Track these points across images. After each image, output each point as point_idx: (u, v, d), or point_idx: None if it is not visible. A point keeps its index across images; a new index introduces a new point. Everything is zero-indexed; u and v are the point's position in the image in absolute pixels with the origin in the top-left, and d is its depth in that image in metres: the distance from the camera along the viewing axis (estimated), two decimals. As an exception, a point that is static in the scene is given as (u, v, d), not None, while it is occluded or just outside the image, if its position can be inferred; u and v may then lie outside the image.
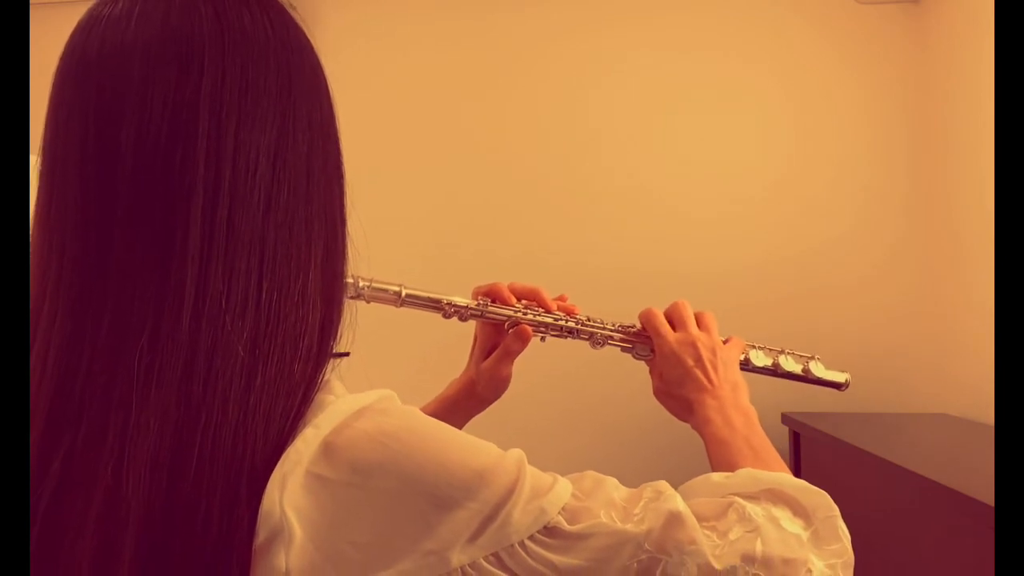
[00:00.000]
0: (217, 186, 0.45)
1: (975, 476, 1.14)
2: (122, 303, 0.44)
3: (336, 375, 0.49)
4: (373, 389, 0.47)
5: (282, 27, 0.50)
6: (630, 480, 0.52)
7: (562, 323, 0.75)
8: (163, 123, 0.44)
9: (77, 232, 0.45)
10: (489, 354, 0.78)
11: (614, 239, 2.07)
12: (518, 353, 0.76)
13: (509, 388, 0.79)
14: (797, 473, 1.76)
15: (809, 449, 1.72)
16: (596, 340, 0.77)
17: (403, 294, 0.70)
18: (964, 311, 1.81)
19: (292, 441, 0.43)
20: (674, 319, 0.76)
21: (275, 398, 0.44)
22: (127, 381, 0.42)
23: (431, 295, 0.72)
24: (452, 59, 2.16)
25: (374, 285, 0.68)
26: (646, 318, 0.76)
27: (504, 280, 0.78)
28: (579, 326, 0.76)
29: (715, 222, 2.05)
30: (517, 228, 2.10)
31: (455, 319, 0.73)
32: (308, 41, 0.52)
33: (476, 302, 0.74)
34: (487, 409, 0.80)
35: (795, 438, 1.78)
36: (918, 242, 1.99)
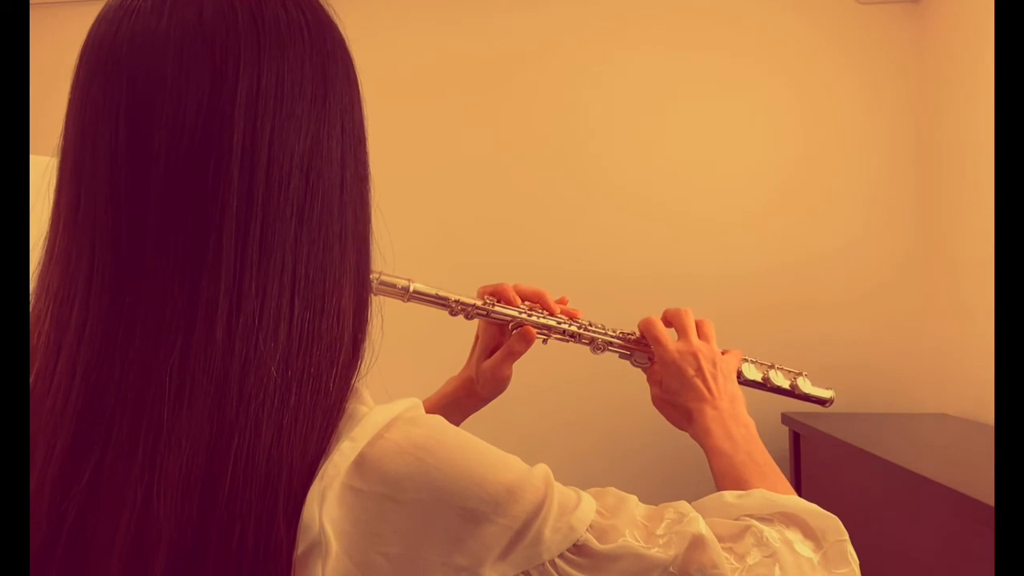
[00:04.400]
0: (251, 199, 0.43)
1: (975, 476, 1.14)
2: (152, 316, 0.43)
3: (363, 382, 0.48)
4: (387, 393, 0.47)
5: (317, 26, 0.48)
6: (633, 488, 0.52)
7: (565, 327, 0.76)
8: (196, 129, 0.43)
9: (110, 240, 0.44)
10: (491, 353, 0.78)
11: (616, 242, 2.06)
12: (521, 354, 0.76)
13: (519, 397, 0.79)
14: (797, 473, 1.77)
15: (809, 449, 1.72)
16: (597, 346, 0.77)
17: (411, 289, 0.70)
18: (964, 311, 1.81)
19: (329, 453, 0.42)
20: (675, 326, 0.76)
21: (311, 417, 0.43)
22: (158, 398, 0.41)
23: (439, 292, 0.72)
24: (450, 61, 2.16)
25: (383, 279, 0.68)
26: (646, 326, 0.76)
27: (508, 281, 0.78)
28: (581, 331, 0.76)
29: (717, 221, 2.04)
30: (516, 229, 2.09)
31: (461, 317, 0.74)
32: (342, 39, 0.50)
33: (482, 301, 0.74)
34: (496, 417, 0.80)
35: (795, 438, 1.78)
36: (918, 243, 1.99)
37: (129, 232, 0.43)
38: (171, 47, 0.43)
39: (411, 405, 0.46)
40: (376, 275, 0.67)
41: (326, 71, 0.48)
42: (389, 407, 0.45)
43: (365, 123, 0.51)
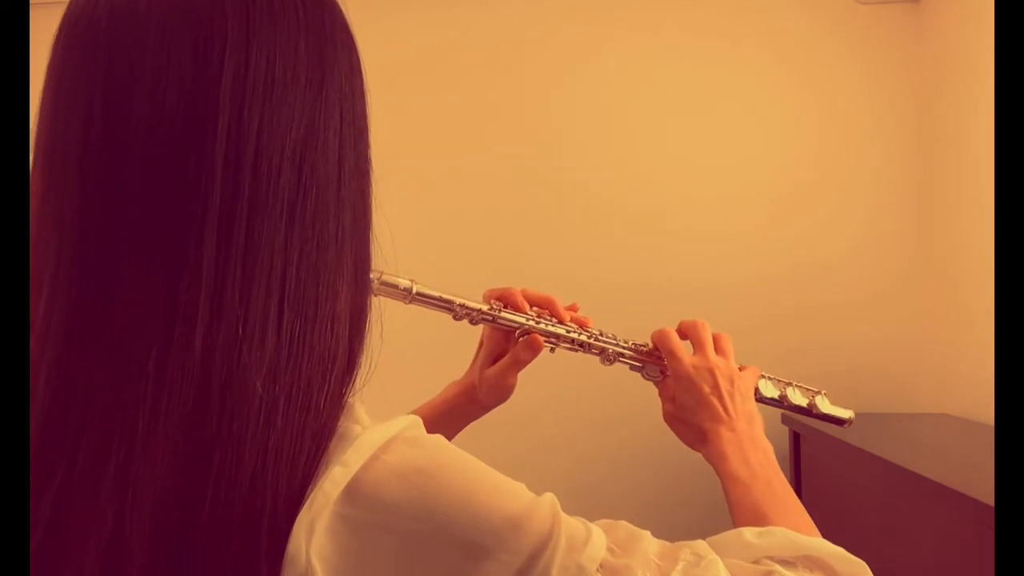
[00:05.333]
0: (236, 194, 0.40)
1: (975, 476, 1.14)
2: (126, 320, 0.39)
3: (359, 396, 0.45)
4: (387, 401, 0.44)
5: (315, 3, 0.44)
6: (645, 511, 0.50)
7: (574, 336, 0.72)
8: (177, 115, 0.39)
9: (77, 230, 0.40)
10: (495, 360, 0.74)
11: (616, 250, 2.05)
12: (527, 363, 0.72)
13: (523, 407, 0.74)
14: (797, 473, 1.77)
15: (809, 449, 1.72)
16: (607, 356, 0.73)
17: (413, 290, 0.66)
18: (964, 312, 1.81)
19: (317, 479, 0.39)
20: (691, 339, 0.71)
21: (299, 438, 0.39)
22: (131, 412, 0.38)
23: (443, 295, 0.68)
24: (456, 55, 2.15)
25: (384, 279, 0.64)
26: (660, 338, 0.71)
27: (515, 285, 0.74)
28: (591, 340, 0.73)
29: (717, 224, 2.04)
30: (522, 230, 2.08)
31: (465, 321, 0.70)
32: (343, 19, 0.46)
33: (489, 306, 0.70)
34: (497, 426, 0.77)
35: (795, 438, 1.78)
36: (919, 243, 1.99)
37: (100, 225, 0.40)
38: (152, 24, 0.40)
39: (410, 424, 0.43)
40: (377, 275, 0.62)
41: (324, 54, 0.44)
42: (385, 427, 0.42)
43: (367, 112, 0.47)
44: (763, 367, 0.80)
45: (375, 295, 0.59)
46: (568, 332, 0.73)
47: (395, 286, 0.65)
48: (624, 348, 0.74)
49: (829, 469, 1.59)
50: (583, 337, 0.73)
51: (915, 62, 2.01)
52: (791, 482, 1.79)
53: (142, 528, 0.37)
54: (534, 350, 0.71)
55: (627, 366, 0.75)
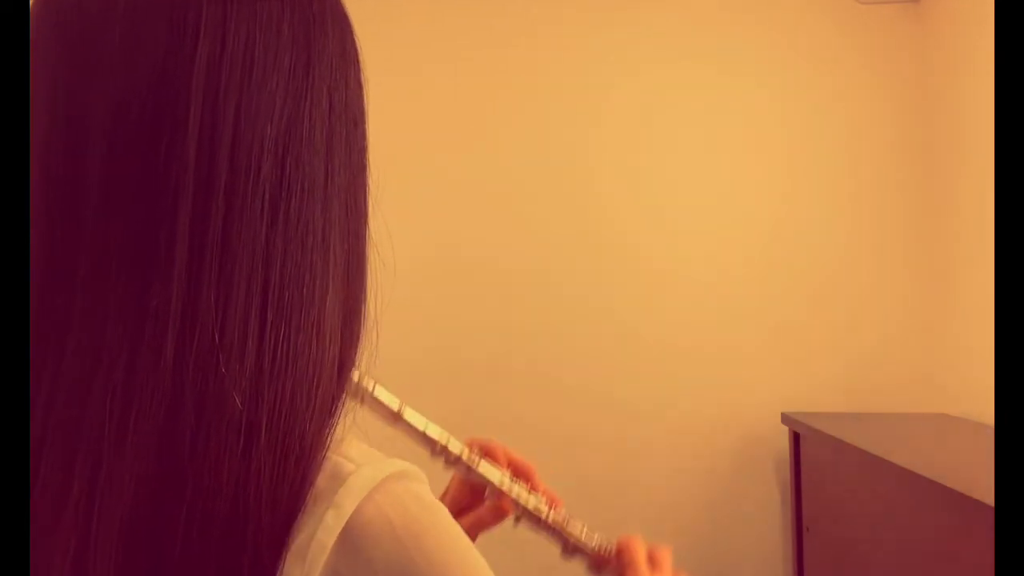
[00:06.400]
0: (210, 187, 0.36)
1: (975, 476, 1.14)
2: (91, 324, 0.35)
3: (352, 427, 0.41)
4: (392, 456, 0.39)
5: None
6: None
7: (540, 515, 0.68)
8: (147, 101, 0.36)
9: (38, 228, 0.37)
10: (458, 512, 0.69)
11: (605, 301, 2.02)
12: (489, 527, 0.67)
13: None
14: (797, 473, 1.77)
15: (809, 449, 1.72)
16: (568, 548, 0.69)
17: (402, 415, 0.60)
18: (964, 311, 1.81)
19: (306, 517, 0.36)
20: (654, 560, 0.65)
21: (282, 463, 0.36)
22: (96, 424, 0.34)
23: (427, 431, 0.63)
24: (467, 68, 2.15)
25: (376, 394, 0.57)
26: (626, 547, 0.65)
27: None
28: (555, 525, 0.69)
29: (712, 214, 2.04)
30: (522, 242, 2.09)
31: (441, 460, 0.66)
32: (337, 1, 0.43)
33: (467, 454, 0.66)
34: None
35: (795, 438, 1.78)
36: (919, 242, 1.99)
37: (64, 221, 0.37)
38: (122, 3, 0.37)
39: (406, 471, 0.39)
40: (371, 384, 0.55)
41: (310, 36, 0.40)
42: (380, 466, 0.38)
43: (364, 102, 0.43)
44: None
45: (362, 404, 0.53)
46: (536, 508, 0.68)
47: (383, 404, 0.60)
48: (585, 544, 0.69)
49: (829, 469, 1.59)
50: (549, 518, 0.69)
51: (915, 62, 2.01)
52: (791, 483, 1.80)
53: (107, 556, 0.33)
54: (498, 517, 0.66)
55: (584, 563, 0.70)
